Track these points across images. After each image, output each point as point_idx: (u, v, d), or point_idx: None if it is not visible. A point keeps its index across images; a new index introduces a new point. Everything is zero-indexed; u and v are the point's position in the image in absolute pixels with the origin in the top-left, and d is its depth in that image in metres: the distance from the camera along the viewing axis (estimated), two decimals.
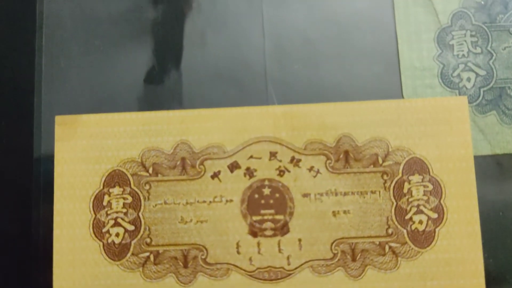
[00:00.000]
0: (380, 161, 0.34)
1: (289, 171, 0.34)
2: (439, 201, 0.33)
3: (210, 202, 0.33)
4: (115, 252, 0.33)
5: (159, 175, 0.34)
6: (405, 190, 0.33)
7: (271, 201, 0.33)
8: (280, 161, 0.34)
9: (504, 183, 0.33)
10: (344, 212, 0.33)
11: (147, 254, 0.33)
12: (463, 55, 0.34)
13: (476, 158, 0.33)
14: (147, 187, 0.34)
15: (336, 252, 0.33)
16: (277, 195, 0.33)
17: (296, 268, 0.33)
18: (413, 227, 0.33)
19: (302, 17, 0.35)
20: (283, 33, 0.35)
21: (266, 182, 0.34)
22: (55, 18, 0.35)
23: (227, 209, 0.33)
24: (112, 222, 0.33)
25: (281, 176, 0.34)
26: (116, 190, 0.34)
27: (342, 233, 0.33)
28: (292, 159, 0.34)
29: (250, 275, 0.33)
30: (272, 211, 0.33)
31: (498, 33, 0.34)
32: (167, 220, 0.33)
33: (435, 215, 0.33)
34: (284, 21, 0.35)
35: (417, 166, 0.33)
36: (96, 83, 0.35)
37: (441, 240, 0.33)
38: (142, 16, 0.35)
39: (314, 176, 0.34)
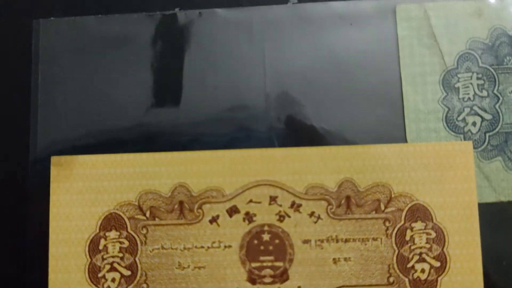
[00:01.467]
0: (382, 207, 0.33)
1: (289, 216, 0.33)
2: (442, 249, 0.32)
3: (208, 247, 0.33)
4: None
5: (156, 219, 0.33)
6: (407, 238, 0.33)
7: (271, 247, 0.33)
8: (280, 205, 0.33)
9: (508, 232, 0.33)
10: (345, 259, 0.33)
11: None
12: (469, 98, 0.33)
13: (481, 205, 0.32)
14: (144, 231, 0.33)
15: None
16: (277, 241, 0.33)
17: None
18: (415, 276, 0.32)
19: (305, 58, 0.34)
20: (285, 74, 0.34)
21: (266, 228, 0.33)
22: (51, 54, 0.34)
23: (225, 255, 0.33)
24: (108, 267, 0.33)
25: (281, 221, 0.33)
26: (113, 234, 0.33)
27: (342, 281, 0.32)
28: (293, 204, 0.33)
29: None
30: (271, 257, 0.33)
31: (505, 76, 0.34)
32: (164, 266, 0.33)
33: (437, 264, 0.32)
34: (286, 62, 0.34)
35: (420, 213, 0.33)
36: (93, 122, 0.34)
37: None
38: (141, 54, 0.34)
39: (315, 222, 0.33)
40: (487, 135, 0.33)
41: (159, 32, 0.34)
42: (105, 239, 0.33)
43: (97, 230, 0.33)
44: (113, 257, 0.33)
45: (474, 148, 0.33)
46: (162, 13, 0.35)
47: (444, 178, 0.33)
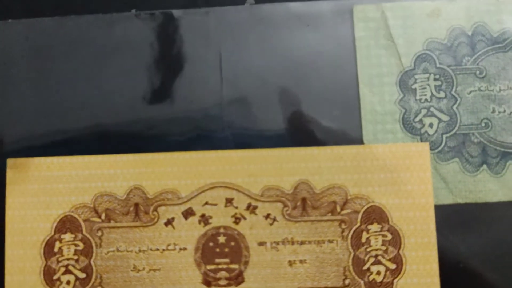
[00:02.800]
0: (338, 209, 0.33)
1: (245, 219, 0.33)
2: (398, 251, 0.32)
3: (164, 250, 0.33)
4: None
5: (111, 221, 0.33)
6: (363, 240, 0.32)
7: (226, 250, 0.33)
8: (236, 208, 0.33)
9: (465, 234, 0.32)
10: (301, 261, 0.32)
11: None
12: (426, 99, 0.33)
13: (437, 207, 0.32)
14: (99, 233, 0.33)
15: None
16: (232, 243, 0.33)
17: None
18: (370, 278, 0.32)
19: (262, 59, 0.34)
20: (242, 76, 0.34)
21: (222, 230, 0.33)
22: (8, 56, 0.34)
23: (180, 257, 0.33)
24: (63, 269, 0.33)
25: (237, 223, 0.33)
26: (68, 237, 0.33)
27: (298, 283, 0.32)
28: (249, 206, 0.33)
29: None
30: (227, 260, 0.33)
31: (463, 76, 0.33)
32: (119, 268, 0.33)
33: (393, 266, 0.32)
34: (242, 63, 0.34)
35: (376, 214, 0.32)
36: (49, 124, 0.34)
37: None
38: (97, 56, 0.34)
39: (271, 224, 0.33)
40: (444, 136, 0.33)
41: (115, 33, 0.34)
42: (60, 242, 0.33)
43: (52, 233, 0.33)
44: (68, 259, 0.33)
45: (431, 149, 0.33)
46: (118, 14, 0.34)
47: (401, 179, 0.33)
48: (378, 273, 0.32)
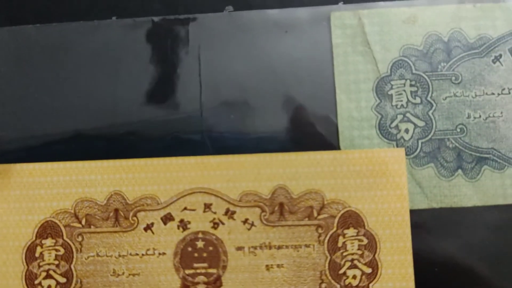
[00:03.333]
0: (315, 214, 0.33)
1: (223, 224, 0.33)
2: (374, 255, 0.33)
3: (143, 254, 0.33)
4: None
5: (92, 226, 0.33)
6: (339, 244, 0.33)
7: (205, 255, 0.33)
8: (215, 213, 0.33)
9: (440, 238, 0.33)
10: (278, 266, 0.33)
11: None
12: (402, 105, 0.34)
13: (413, 212, 0.33)
14: (80, 238, 0.33)
15: None
16: (210, 248, 0.33)
17: None
18: (346, 282, 0.33)
19: (240, 65, 0.34)
20: (220, 82, 0.34)
21: (200, 235, 0.33)
22: None
23: (159, 262, 0.33)
24: (44, 274, 0.33)
25: (215, 228, 0.33)
26: (49, 242, 0.33)
27: (275, 287, 0.33)
28: (227, 211, 0.33)
29: None
30: (205, 264, 0.33)
31: (439, 82, 0.34)
32: (99, 273, 0.33)
33: (369, 270, 0.33)
34: (221, 70, 0.34)
35: (352, 219, 0.33)
36: (30, 131, 0.34)
37: None
38: (78, 62, 0.34)
39: (249, 229, 0.33)
40: (420, 142, 0.33)
41: (96, 40, 0.35)
42: (41, 247, 0.33)
43: (34, 238, 0.33)
44: (49, 264, 0.33)
45: (407, 155, 0.33)
46: (100, 22, 0.35)
47: (377, 185, 0.33)
48: (354, 277, 0.33)
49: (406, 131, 0.34)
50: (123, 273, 0.33)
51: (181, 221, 0.33)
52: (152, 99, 0.34)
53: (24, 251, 0.33)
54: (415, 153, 0.33)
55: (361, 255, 0.33)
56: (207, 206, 0.33)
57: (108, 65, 0.34)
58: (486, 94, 0.34)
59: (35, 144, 0.34)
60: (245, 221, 0.33)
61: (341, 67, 0.34)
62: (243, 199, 0.33)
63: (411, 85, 0.34)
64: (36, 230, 0.33)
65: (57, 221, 0.33)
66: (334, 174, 0.33)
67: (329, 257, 0.33)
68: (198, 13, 0.35)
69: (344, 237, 0.33)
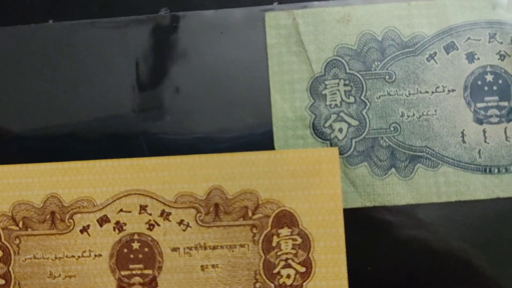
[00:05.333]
0: (250, 214, 0.33)
1: (159, 225, 0.33)
2: (308, 255, 0.33)
3: (79, 256, 0.33)
4: None
5: (29, 229, 0.34)
6: (274, 244, 0.33)
7: (140, 256, 0.33)
8: (150, 214, 0.33)
9: (373, 237, 0.33)
10: (213, 266, 0.33)
11: None
12: (336, 104, 0.34)
13: (346, 211, 0.33)
14: (17, 241, 0.34)
15: None
16: (146, 249, 0.33)
17: None
18: (280, 281, 0.33)
19: (176, 67, 0.34)
20: (156, 84, 0.34)
21: (136, 236, 0.33)
22: None
23: (95, 264, 0.33)
24: None
25: (151, 230, 0.33)
26: None
27: (210, 287, 0.33)
28: (162, 212, 0.33)
29: None
30: (141, 265, 0.33)
31: (373, 81, 0.34)
32: (36, 275, 0.33)
33: (303, 269, 0.33)
34: (157, 71, 0.34)
35: (287, 219, 0.33)
36: None
37: None
38: (16, 65, 0.35)
39: (184, 230, 0.33)
40: (353, 141, 0.34)
41: (34, 43, 0.35)
42: None
43: None
44: None
45: (340, 154, 0.33)
46: (36, 25, 0.35)
47: (310, 184, 0.33)
48: (288, 276, 0.33)
49: (340, 130, 0.34)
50: (60, 275, 0.33)
51: (117, 223, 0.33)
52: (88, 101, 0.34)
53: None
54: (349, 152, 0.33)
55: (295, 255, 0.33)
56: (143, 208, 0.34)
57: (45, 68, 0.35)
58: (420, 92, 0.34)
59: None
60: (181, 222, 0.33)
61: (276, 68, 0.34)
62: (179, 200, 0.33)
63: (345, 85, 0.34)
64: None
65: None
66: (269, 174, 0.33)
67: (263, 257, 0.33)
68: (134, 15, 0.35)
69: (278, 236, 0.33)
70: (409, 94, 0.34)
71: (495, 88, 0.34)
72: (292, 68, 0.34)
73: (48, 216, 0.34)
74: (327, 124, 0.34)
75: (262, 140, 0.34)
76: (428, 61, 0.34)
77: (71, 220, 0.34)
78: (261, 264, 0.33)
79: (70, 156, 0.34)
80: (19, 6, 0.35)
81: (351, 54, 0.34)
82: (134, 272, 0.33)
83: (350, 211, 0.33)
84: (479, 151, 0.33)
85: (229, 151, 0.34)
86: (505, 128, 0.33)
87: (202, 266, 0.33)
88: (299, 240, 0.33)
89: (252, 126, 0.34)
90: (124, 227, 0.33)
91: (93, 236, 0.33)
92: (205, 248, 0.33)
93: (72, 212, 0.34)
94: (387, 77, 0.34)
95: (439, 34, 0.34)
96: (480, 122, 0.33)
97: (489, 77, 0.34)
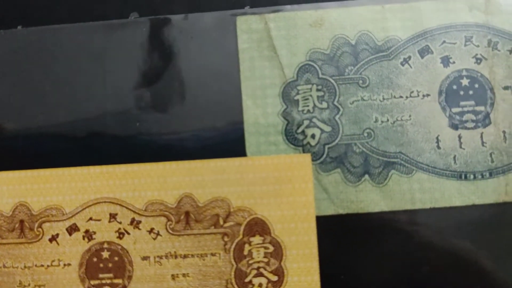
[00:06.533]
0: (221, 222, 0.33)
1: (128, 233, 0.33)
2: (280, 263, 0.32)
3: (48, 266, 0.33)
4: None
5: None
6: (245, 252, 0.33)
7: (110, 265, 0.33)
8: (120, 223, 0.33)
9: (346, 245, 0.32)
10: (184, 275, 0.33)
11: None
12: (309, 110, 0.33)
13: (319, 218, 0.32)
14: None
15: None
16: (116, 258, 0.33)
17: None
18: None
19: (145, 73, 0.34)
20: (125, 90, 0.34)
21: (105, 245, 0.33)
22: None
23: (65, 273, 0.33)
24: None
25: (121, 238, 0.33)
26: None
27: None
28: (132, 220, 0.33)
29: None
30: (110, 275, 0.33)
31: (346, 86, 0.33)
32: (6, 285, 0.33)
33: (275, 278, 0.32)
34: (126, 78, 0.34)
35: (259, 227, 0.33)
36: None
37: None
38: None
39: (154, 238, 0.33)
40: (326, 147, 0.33)
41: (2, 49, 0.34)
42: None
43: None
44: None
45: (313, 160, 0.33)
46: (5, 31, 0.34)
47: (283, 191, 0.33)
48: (260, 285, 0.32)
49: (313, 136, 0.33)
50: (29, 285, 0.33)
51: (86, 231, 0.33)
52: (56, 106, 0.34)
53: None
54: (322, 159, 0.33)
55: (267, 263, 0.32)
56: (113, 216, 0.33)
57: (13, 74, 0.34)
58: (394, 97, 0.33)
59: None
60: (151, 231, 0.33)
61: (248, 73, 0.33)
62: (149, 208, 0.33)
63: (317, 90, 0.33)
64: None
65: None
66: (241, 181, 0.33)
67: (235, 266, 0.32)
68: (102, 20, 0.34)
69: (250, 245, 0.33)
70: (383, 99, 0.33)
71: (471, 92, 0.33)
72: (264, 73, 0.33)
73: (17, 225, 0.33)
74: (299, 130, 0.33)
75: (234, 147, 0.33)
76: (403, 65, 0.33)
77: (40, 229, 0.33)
78: (232, 273, 0.32)
79: (40, 165, 0.33)
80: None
81: (324, 59, 0.33)
82: (103, 281, 0.33)
83: (323, 218, 0.32)
84: (454, 157, 0.33)
85: (201, 157, 0.33)
86: (481, 134, 0.33)
87: (172, 275, 0.33)
88: (271, 248, 0.32)
89: (224, 132, 0.33)
90: (94, 236, 0.33)
91: (62, 245, 0.33)
92: (176, 257, 0.33)
93: (41, 221, 0.33)
94: (360, 82, 0.33)
95: (413, 38, 0.34)
96: (455, 127, 0.33)
97: (465, 81, 0.33)
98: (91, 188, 0.33)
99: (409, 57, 0.33)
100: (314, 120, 0.33)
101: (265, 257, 0.32)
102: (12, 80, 0.34)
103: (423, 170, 0.33)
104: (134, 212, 0.33)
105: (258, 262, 0.32)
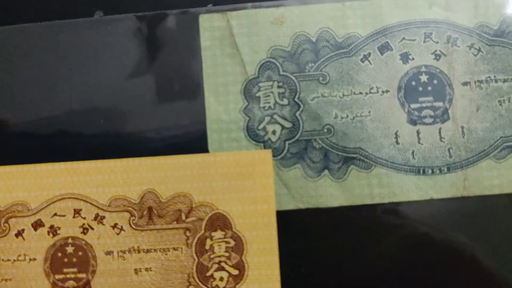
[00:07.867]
0: (184, 217, 0.33)
1: (92, 229, 0.33)
2: (241, 257, 0.33)
3: (14, 260, 0.33)
4: None
5: None
6: (207, 247, 0.33)
7: (74, 260, 0.33)
8: (84, 218, 0.33)
9: (306, 239, 0.33)
10: (146, 269, 0.33)
11: None
12: (270, 107, 0.34)
13: (279, 213, 0.33)
14: None
15: None
16: (80, 253, 0.33)
17: None
18: (214, 284, 0.33)
19: (110, 71, 0.34)
20: (91, 87, 0.34)
21: (70, 240, 0.33)
22: None
23: (30, 267, 0.33)
24: None
25: (85, 233, 0.33)
26: None
27: None
28: (96, 216, 0.33)
29: None
30: (75, 269, 0.33)
31: (306, 83, 0.34)
32: None
33: (236, 272, 0.33)
34: (92, 75, 0.34)
35: (220, 222, 0.33)
36: None
37: None
38: None
39: (118, 234, 0.33)
40: (287, 143, 0.33)
41: None
42: None
43: None
44: None
45: (274, 156, 0.33)
46: None
47: (244, 186, 0.33)
48: (221, 279, 0.33)
49: (274, 132, 0.34)
50: None
51: (51, 227, 0.34)
52: (21, 104, 0.34)
53: None
54: (282, 154, 0.33)
55: (228, 257, 0.33)
56: (77, 212, 0.34)
57: None
58: (354, 93, 0.34)
59: None
60: (114, 226, 0.33)
61: (210, 70, 0.34)
62: (112, 204, 0.33)
63: (278, 87, 0.34)
64: None
65: None
66: (203, 177, 0.33)
67: (196, 260, 0.33)
68: (68, 18, 0.35)
69: (211, 239, 0.33)
70: (343, 95, 0.34)
71: (429, 88, 0.34)
72: (226, 70, 0.34)
73: None
74: (260, 127, 0.34)
75: (196, 143, 0.34)
76: (362, 62, 0.34)
77: (6, 224, 0.34)
78: (194, 267, 0.33)
79: (5, 161, 0.34)
80: None
81: (285, 56, 0.34)
82: (68, 276, 0.33)
83: (283, 213, 0.33)
84: (412, 152, 0.33)
85: (163, 154, 0.34)
86: (440, 129, 0.33)
87: (135, 269, 0.33)
88: (232, 243, 0.33)
89: (186, 129, 0.34)
90: (58, 231, 0.34)
91: (28, 240, 0.34)
92: (139, 252, 0.33)
93: (7, 216, 0.34)
94: (321, 78, 0.34)
95: (373, 35, 0.34)
96: (414, 123, 0.33)
97: (424, 78, 0.34)
98: (56, 184, 0.34)
99: (369, 54, 0.34)
100: (275, 116, 0.34)
101: (226, 251, 0.33)
102: None
103: (382, 165, 0.33)
104: (98, 207, 0.33)
105: (220, 256, 0.33)
